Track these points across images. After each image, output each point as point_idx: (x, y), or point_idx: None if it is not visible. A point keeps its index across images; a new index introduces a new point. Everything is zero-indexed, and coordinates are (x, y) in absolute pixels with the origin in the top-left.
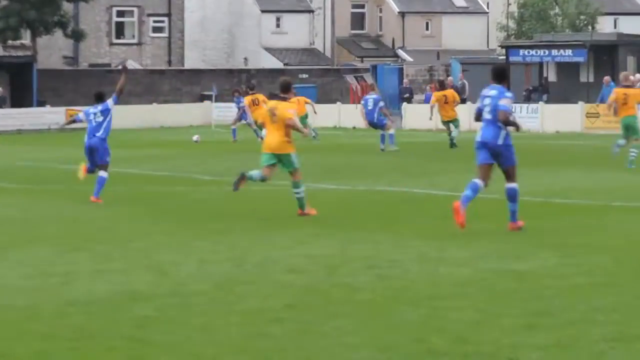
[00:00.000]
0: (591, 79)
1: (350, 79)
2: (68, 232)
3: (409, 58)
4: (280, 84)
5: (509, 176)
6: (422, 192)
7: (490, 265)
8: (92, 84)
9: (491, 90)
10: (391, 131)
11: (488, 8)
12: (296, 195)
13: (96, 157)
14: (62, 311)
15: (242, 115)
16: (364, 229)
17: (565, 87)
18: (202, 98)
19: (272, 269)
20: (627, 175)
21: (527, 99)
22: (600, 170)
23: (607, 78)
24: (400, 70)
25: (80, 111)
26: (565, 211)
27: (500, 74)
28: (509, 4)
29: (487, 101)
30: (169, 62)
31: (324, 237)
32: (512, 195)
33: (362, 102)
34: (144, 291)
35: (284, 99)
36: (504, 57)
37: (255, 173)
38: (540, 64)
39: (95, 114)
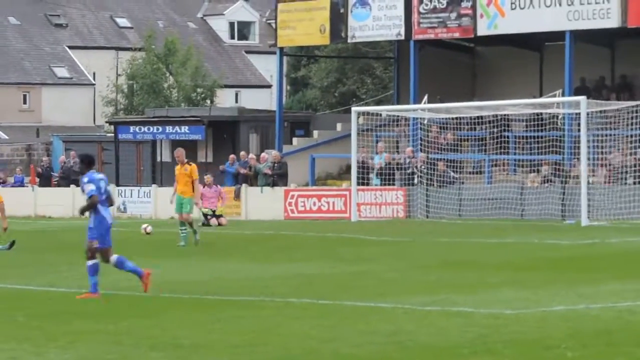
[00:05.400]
0: (210, 159)
1: None
2: None
3: (3, 135)
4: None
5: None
6: None
7: None
8: None
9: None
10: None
11: (94, 79)
12: None
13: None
14: None
15: None
16: None
17: None
18: None
19: None
20: (238, 266)
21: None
22: (214, 261)
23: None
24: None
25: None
26: (179, 306)
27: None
28: (117, 75)
29: (103, 184)
30: None
31: None
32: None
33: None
34: None
35: None
36: (113, 134)
37: None
38: (154, 142)
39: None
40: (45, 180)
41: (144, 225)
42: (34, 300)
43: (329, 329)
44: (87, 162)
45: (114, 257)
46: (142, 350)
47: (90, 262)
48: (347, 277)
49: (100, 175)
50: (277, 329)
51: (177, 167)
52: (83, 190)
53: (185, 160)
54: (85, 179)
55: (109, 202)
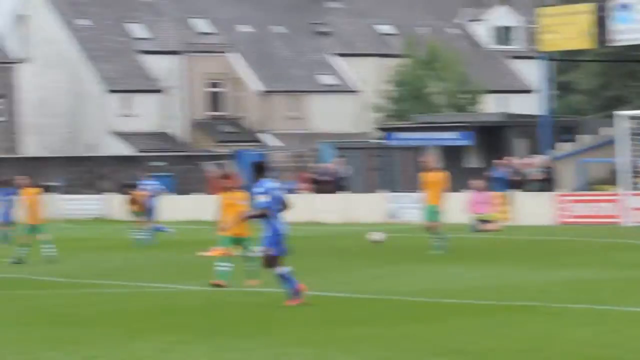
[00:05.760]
0: (477, 164)
1: (209, 166)
2: None
3: (275, 142)
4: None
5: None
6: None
7: None
8: None
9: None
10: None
11: (358, 86)
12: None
13: None
14: None
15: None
16: (235, 334)
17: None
18: (46, 189)
19: None
20: (512, 271)
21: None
22: (487, 266)
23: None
24: (265, 156)
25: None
26: (457, 312)
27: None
28: (385, 82)
29: (277, 193)
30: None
31: (191, 345)
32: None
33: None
34: None
35: None
36: (381, 140)
37: None
38: (419, 148)
39: None
40: (317, 186)
41: (372, 234)
42: (316, 305)
43: (608, 335)
44: (259, 170)
45: (284, 269)
46: (424, 355)
47: (277, 271)
48: (623, 283)
49: (275, 184)
50: (556, 334)
51: (425, 174)
52: (256, 198)
53: (434, 167)
54: (261, 189)
55: (284, 207)
